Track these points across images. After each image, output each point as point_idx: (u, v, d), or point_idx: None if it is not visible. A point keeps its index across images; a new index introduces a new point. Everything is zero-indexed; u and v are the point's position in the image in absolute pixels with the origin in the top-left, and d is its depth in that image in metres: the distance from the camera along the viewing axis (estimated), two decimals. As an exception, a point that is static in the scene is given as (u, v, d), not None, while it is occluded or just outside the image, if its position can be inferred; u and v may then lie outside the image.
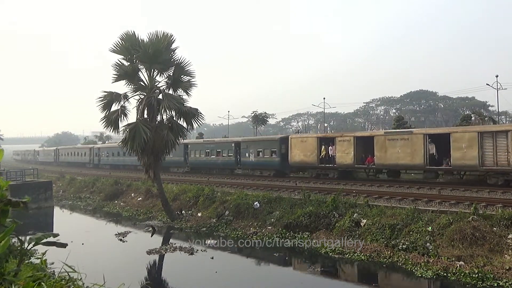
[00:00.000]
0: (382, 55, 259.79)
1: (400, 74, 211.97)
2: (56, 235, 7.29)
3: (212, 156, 40.90)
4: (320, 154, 31.02)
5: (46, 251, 7.70)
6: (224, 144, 40.71)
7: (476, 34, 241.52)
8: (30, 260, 7.86)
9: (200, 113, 23.60)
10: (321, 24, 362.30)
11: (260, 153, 35.91)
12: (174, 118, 23.31)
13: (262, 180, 33.23)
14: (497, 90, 50.22)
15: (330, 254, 16.41)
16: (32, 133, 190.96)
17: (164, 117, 23.19)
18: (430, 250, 14.79)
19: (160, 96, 22.82)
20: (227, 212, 22.99)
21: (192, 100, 43.31)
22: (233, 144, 39.00)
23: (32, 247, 7.58)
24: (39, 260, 7.32)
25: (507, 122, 64.63)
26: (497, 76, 49.95)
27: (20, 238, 5.84)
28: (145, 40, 22.35)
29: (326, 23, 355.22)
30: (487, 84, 51.58)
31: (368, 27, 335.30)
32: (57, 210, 32.73)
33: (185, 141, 37.78)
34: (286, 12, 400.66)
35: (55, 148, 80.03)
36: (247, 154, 37.06)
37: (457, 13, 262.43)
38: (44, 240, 7.30)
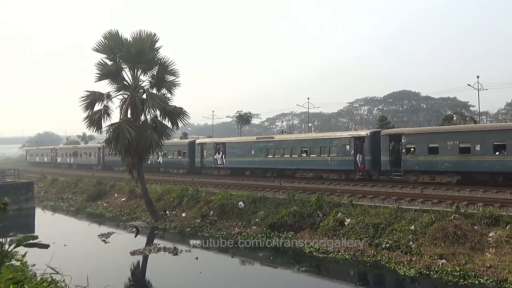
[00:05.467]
0: (368, 57, 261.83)
1: (385, 75, 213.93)
2: (35, 237, 7.18)
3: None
4: None
5: (25, 253, 7.58)
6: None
7: (458, 36, 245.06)
8: (11, 262, 7.70)
9: (185, 112, 23.52)
10: (310, 26, 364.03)
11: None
12: (159, 118, 23.19)
13: (247, 180, 33.18)
14: (478, 91, 51.07)
15: (315, 253, 16.48)
16: (13, 133, 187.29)
17: (148, 117, 23.08)
18: (413, 249, 14.94)
19: (144, 96, 22.67)
20: (211, 212, 22.92)
21: (177, 100, 42.30)
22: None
23: (13, 249, 7.47)
24: (20, 262, 7.21)
25: (487, 122, 65.71)
26: (478, 77, 50.78)
27: (0, 240, 5.76)
28: (128, 39, 22.16)
29: (315, 26, 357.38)
30: (468, 84, 52.39)
31: (355, 32, 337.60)
32: (38, 211, 32.25)
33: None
34: (274, 13, 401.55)
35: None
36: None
37: (438, 18, 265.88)
38: (26, 242, 7.19)
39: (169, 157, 44.32)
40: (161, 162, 45.33)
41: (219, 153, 38.78)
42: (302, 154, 32.02)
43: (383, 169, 27.52)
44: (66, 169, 60.35)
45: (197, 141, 42.22)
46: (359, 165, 28.47)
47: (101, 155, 55.32)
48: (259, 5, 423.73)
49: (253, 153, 35.47)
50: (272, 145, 34.41)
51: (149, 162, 46.15)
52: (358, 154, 28.65)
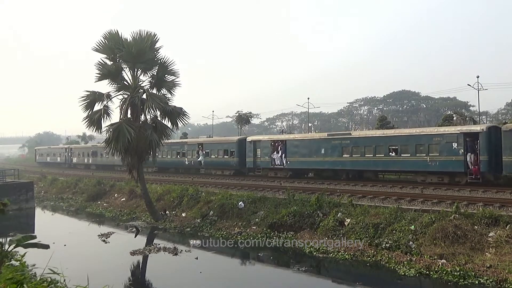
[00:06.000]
0: (368, 58, 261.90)
1: (385, 75, 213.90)
2: (34, 237, 7.19)
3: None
4: None
5: (25, 253, 7.60)
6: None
7: (458, 36, 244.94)
8: (10, 262, 7.70)
9: (185, 112, 23.54)
10: (310, 27, 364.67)
11: None
12: (158, 118, 23.20)
13: (247, 180, 33.16)
14: (478, 91, 51.03)
15: (315, 253, 16.49)
16: (13, 133, 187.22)
17: (148, 117, 23.09)
18: (413, 249, 14.95)
19: (144, 96, 22.67)
20: (211, 212, 22.92)
21: (177, 101, 41.45)
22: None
23: (13, 249, 7.48)
24: (19, 262, 7.22)
25: (487, 121, 65.69)
26: (478, 77, 50.75)
27: (0, 240, 5.77)
28: (128, 39, 22.16)
29: (315, 26, 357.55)
30: (468, 84, 52.33)
31: (355, 32, 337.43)
32: (38, 211, 32.26)
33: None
34: (275, 14, 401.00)
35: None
36: None
37: (438, 18, 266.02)
38: (26, 242, 7.20)
39: (212, 156, 39.98)
40: (202, 162, 40.98)
41: (277, 152, 34.31)
42: (390, 153, 27.80)
43: (507, 172, 23.07)
44: (84, 171, 56.29)
45: (249, 139, 37.59)
46: (470, 166, 24.06)
47: None
48: (260, 6, 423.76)
49: (323, 152, 31.22)
50: (348, 142, 30.21)
51: (186, 163, 43.17)
52: (469, 154, 24.14)
